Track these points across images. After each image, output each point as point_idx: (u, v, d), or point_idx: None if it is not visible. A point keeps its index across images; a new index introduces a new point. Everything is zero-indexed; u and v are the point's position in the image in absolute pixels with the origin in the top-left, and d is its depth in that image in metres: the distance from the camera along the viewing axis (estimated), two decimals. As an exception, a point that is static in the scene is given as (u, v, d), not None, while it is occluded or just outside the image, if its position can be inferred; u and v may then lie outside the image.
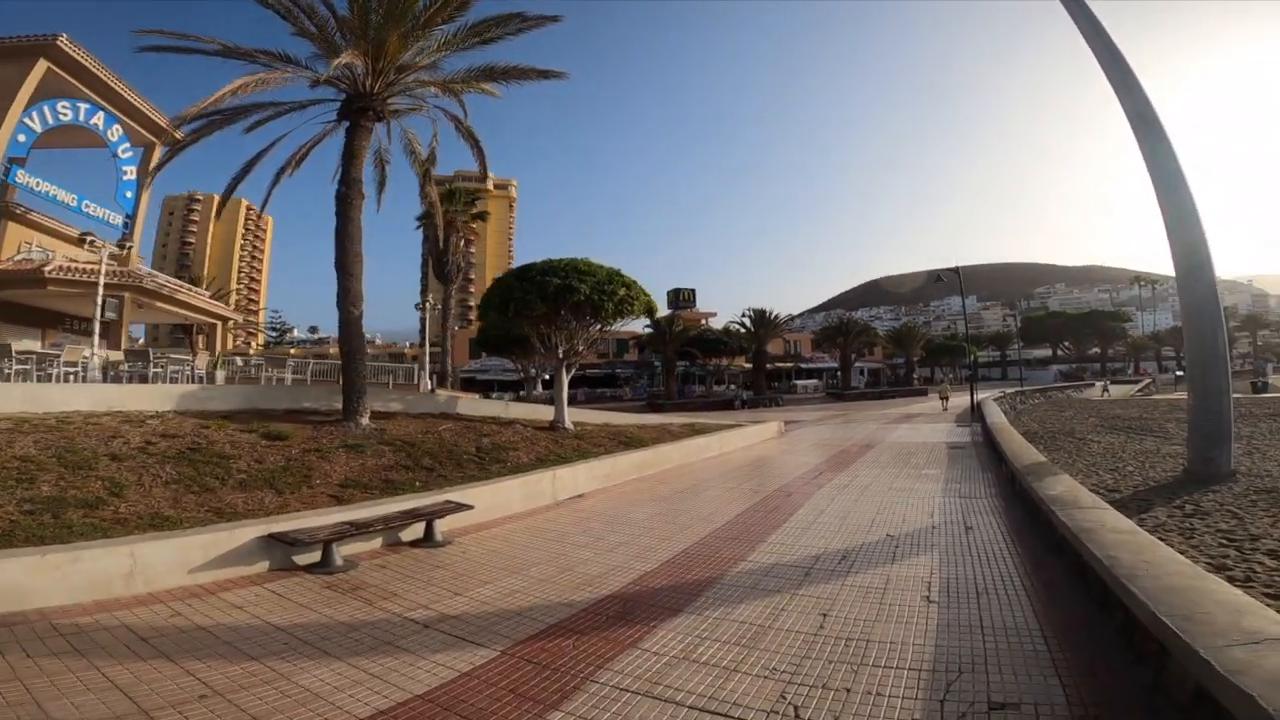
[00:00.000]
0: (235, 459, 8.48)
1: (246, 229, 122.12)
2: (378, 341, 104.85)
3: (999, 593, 4.97)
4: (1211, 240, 8.33)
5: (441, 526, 7.26)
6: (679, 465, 13.37)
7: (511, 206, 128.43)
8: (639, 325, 42.59)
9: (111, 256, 18.23)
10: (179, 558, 5.59)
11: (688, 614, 4.73)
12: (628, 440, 14.05)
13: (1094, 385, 48.37)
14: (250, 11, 12.10)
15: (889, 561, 6.04)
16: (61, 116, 20.82)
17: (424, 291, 31.02)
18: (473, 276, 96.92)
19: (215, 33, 12.21)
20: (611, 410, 23.66)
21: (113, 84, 22.03)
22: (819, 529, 7.42)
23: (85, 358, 14.22)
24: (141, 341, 39.86)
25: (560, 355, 15.38)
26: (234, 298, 64.71)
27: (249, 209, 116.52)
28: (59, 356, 13.86)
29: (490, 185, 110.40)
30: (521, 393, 39.39)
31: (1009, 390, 35.24)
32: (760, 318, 47.33)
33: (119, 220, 23.27)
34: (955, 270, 31.14)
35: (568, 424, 14.77)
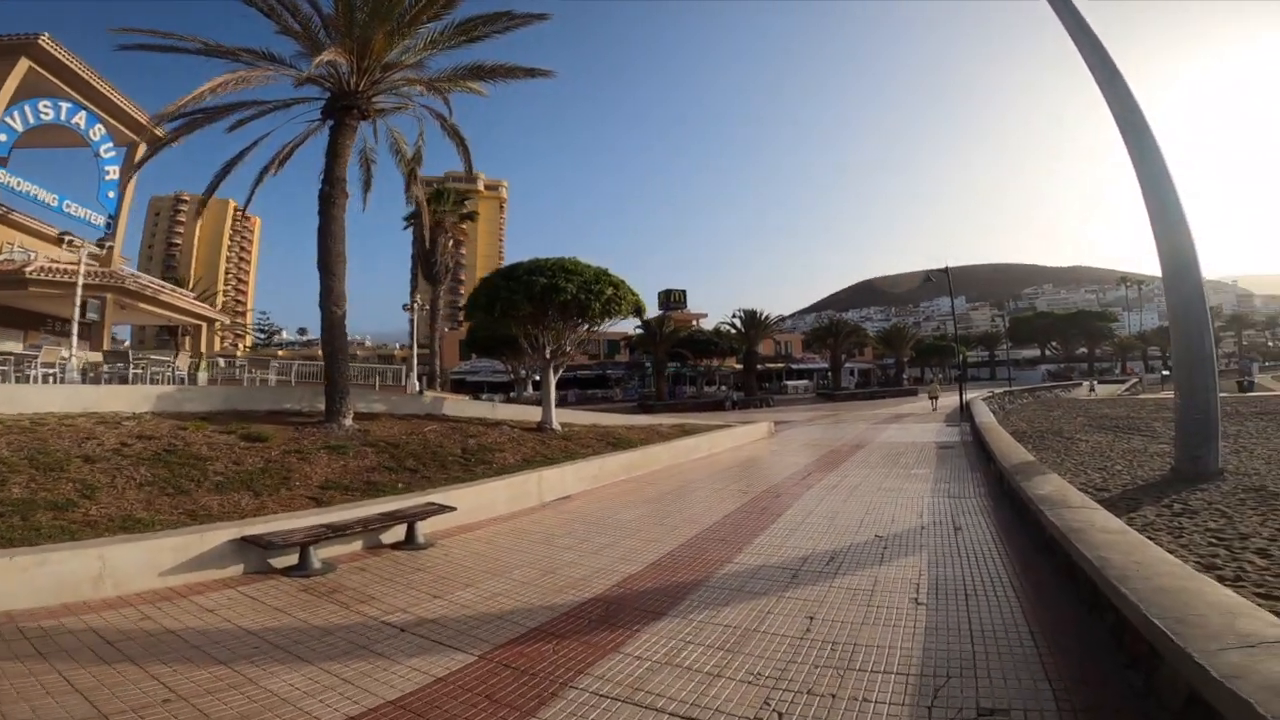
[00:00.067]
0: (212, 461, 8.32)
1: (234, 230, 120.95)
2: (367, 343, 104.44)
3: (988, 594, 4.90)
4: (1197, 241, 8.32)
5: (424, 529, 7.13)
6: (668, 466, 13.27)
7: (502, 207, 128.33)
8: (629, 326, 42.64)
9: (92, 256, 17.94)
10: (149, 560, 5.44)
11: (672, 617, 4.63)
12: (616, 441, 13.94)
13: (1081, 385, 48.57)
14: (237, 10, 11.97)
15: (877, 563, 5.97)
16: (43, 116, 20.53)
17: (413, 293, 30.74)
18: (463, 278, 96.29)
19: (206, 34, 12.06)
20: (602, 411, 23.57)
21: (95, 83, 21.73)
22: (807, 530, 7.34)
23: (63, 359, 13.99)
24: (128, 343, 39.42)
25: (547, 356, 15.25)
26: (220, 299, 64.23)
27: (236, 210, 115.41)
28: (37, 358, 13.63)
29: (481, 186, 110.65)
30: (512, 394, 39.17)
31: (998, 390, 35.33)
32: (751, 318, 47.36)
33: (101, 220, 22.96)
34: (944, 270, 31.18)
35: (555, 425, 14.65)
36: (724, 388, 51.70)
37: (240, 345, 74.18)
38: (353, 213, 13.11)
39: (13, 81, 19.28)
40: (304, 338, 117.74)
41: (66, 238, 17.97)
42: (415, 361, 24.67)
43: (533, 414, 15.82)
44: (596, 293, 14.15)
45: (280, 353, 72.64)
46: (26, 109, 19.96)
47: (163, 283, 27.60)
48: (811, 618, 4.52)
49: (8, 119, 19.36)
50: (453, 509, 7.48)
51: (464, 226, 37.74)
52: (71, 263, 18.85)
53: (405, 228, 36.07)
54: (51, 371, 13.42)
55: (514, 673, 3.78)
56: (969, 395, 26.48)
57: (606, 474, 11.38)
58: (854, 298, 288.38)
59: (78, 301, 15.56)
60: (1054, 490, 6.41)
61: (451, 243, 34.82)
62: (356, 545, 6.78)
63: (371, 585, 5.59)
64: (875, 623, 4.38)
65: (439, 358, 34.85)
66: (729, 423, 20.28)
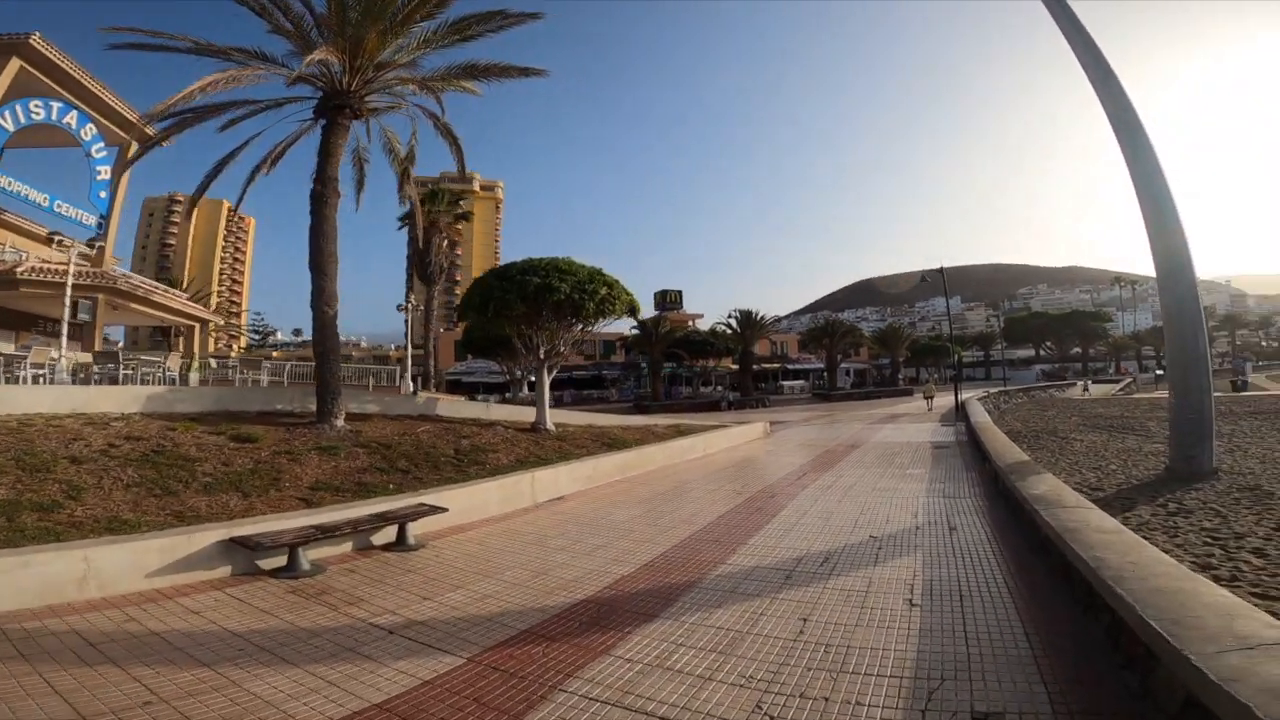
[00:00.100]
0: (201, 462, 8.23)
1: (228, 231, 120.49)
2: (363, 344, 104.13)
3: (982, 595, 4.85)
4: (1191, 241, 8.31)
5: (415, 530, 7.06)
6: (663, 466, 13.21)
7: (498, 208, 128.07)
8: (625, 327, 42.55)
9: (82, 256, 17.83)
10: (135, 562, 5.37)
11: (664, 619, 4.58)
12: (611, 442, 13.87)
13: (1076, 385, 48.69)
14: (229, 10, 11.91)
15: (872, 563, 5.92)
16: (34, 115, 20.32)
17: (408, 293, 30.64)
18: (458, 279, 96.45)
19: (198, 33, 11.97)
20: (597, 412, 23.49)
21: (86, 83, 21.54)
22: (801, 530, 7.29)
23: (53, 359, 13.87)
24: (121, 344, 39.15)
25: (541, 356, 15.18)
26: (215, 300, 63.92)
27: (230, 210, 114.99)
28: (26, 359, 13.50)
29: (476, 186, 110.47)
30: (507, 395, 39.11)
31: (993, 390, 35.39)
32: (747, 319, 47.31)
33: (92, 220, 22.77)
34: (940, 271, 31.24)
35: (550, 425, 14.59)
36: (720, 388, 51.62)
37: (235, 346, 73.87)
38: (346, 213, 13.05)
39: (3, 81, 19.08)
40: (299, 339, 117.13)
41: (56, 238, 17.83)
42: (410, 362, 24.59)
43: (527, 414, 15.75)
44: (590, 293, 14.09)
45: (275, 353, 72.43)
46: (17, 108, 19.76)
47: (155, 283, 27.42)
48: (805, 619, 4.47)
49: (-1, 118, 19.19)
50: (444, 510, 7.41)
51: (459, 227, 37.63)
52: (63, 263, 18.75)
53: (400, 228, 35.97)
54: (41, 372, 13.29)
55: (503, 675, 3.73)
56: (964, 395, 26.48)
57: (601, 474, 11.31)
58: (850, 298, 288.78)
59: (68, 302, 15.44)
60: (1049, 490, 6.37)
61: (446, 243, 34.71)
62: (346, 546, 6.71)
63: (360, 587, 5.53)
64: (869, 624, 4.34)
65: (434, 358, 34.71)
66: (724, 423, 20.24)
